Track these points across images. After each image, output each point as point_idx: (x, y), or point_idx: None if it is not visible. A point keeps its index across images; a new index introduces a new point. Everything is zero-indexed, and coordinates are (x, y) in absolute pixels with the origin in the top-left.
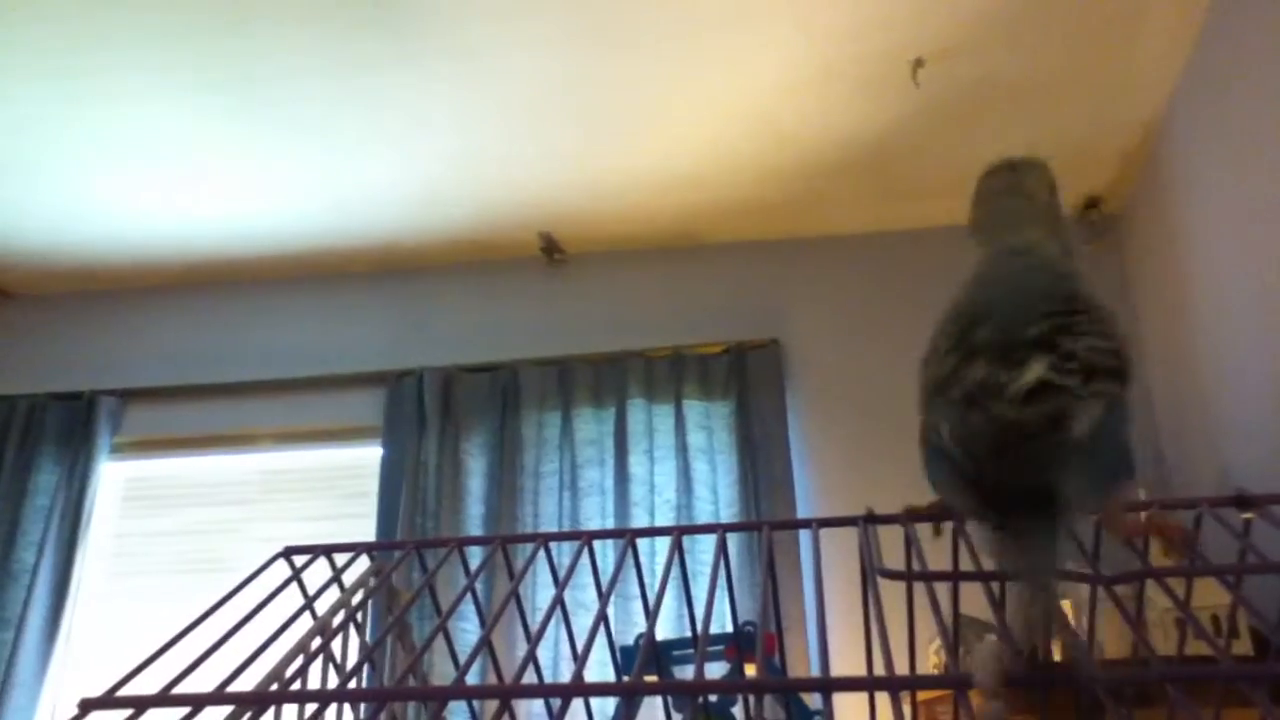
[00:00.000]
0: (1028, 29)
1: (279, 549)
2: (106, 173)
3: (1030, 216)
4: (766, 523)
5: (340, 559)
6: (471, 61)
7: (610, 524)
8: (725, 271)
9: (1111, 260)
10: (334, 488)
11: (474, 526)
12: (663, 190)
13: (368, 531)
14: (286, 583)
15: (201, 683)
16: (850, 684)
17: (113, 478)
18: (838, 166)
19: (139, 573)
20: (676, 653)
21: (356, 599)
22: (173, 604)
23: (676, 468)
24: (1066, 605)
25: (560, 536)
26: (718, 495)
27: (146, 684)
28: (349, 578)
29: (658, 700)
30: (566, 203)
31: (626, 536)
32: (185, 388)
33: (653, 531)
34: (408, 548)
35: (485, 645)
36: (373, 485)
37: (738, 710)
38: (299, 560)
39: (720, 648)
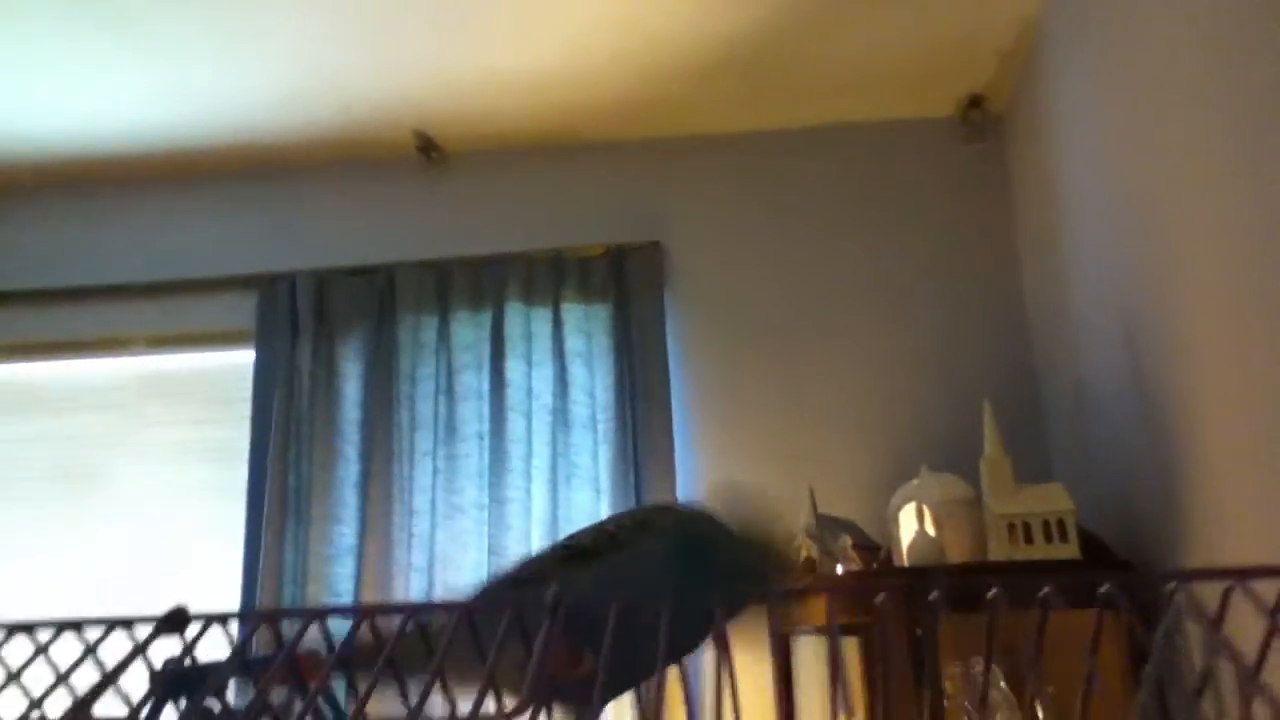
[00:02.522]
0: None
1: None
2: None
3: None
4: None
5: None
6: None
7: (486, 429)
8: (606, 172)
9: (994, 161)
10: (208, 393)
11: (349, 432)
12: (537, 88)
13: (244, 436)
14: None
15: None
16: None
17: None
18: (710, 66)
19: (12, 479)
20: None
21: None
22: (47, 510)
23: (554, 372)
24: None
25: (432, 608)
26: (595, 399)
27: None
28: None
29: None
30: (440, 101)
31: (458, 611)
32: (53, 291)
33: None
34: (254, 620)
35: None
36: (247, 390)
37: None
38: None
39: None
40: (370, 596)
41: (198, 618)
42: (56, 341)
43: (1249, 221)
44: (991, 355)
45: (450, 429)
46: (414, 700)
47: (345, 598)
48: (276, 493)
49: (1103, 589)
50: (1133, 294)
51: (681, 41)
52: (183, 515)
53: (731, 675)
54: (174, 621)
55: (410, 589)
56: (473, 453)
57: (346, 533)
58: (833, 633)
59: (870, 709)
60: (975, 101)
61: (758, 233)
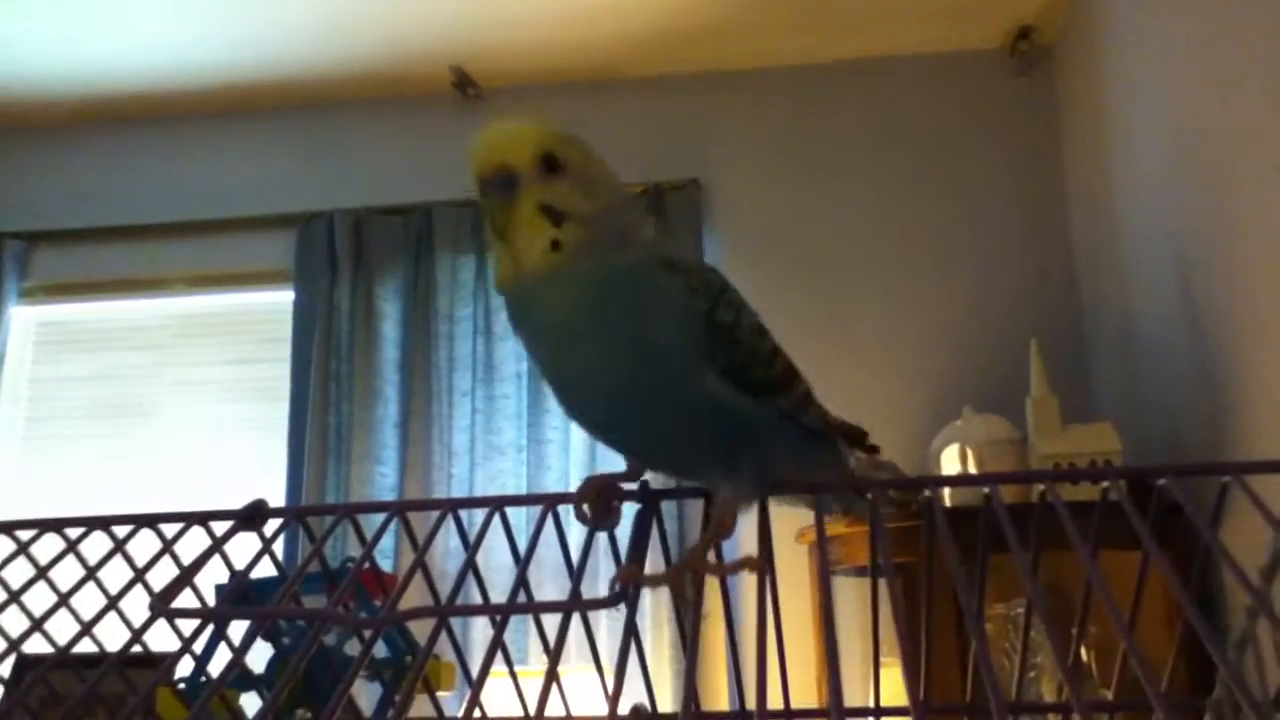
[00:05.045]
0: None
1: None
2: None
3: None
4: (550, 497)
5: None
6: None
7: (525, 369)
8: (644, 108)
9: (1043, 94)
10: (248, 332)
11: (388, 372)
12: (578, 20)
13: (284, 376)
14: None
15: None
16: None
17: (23, 322)
18: None
19: (56, 417)
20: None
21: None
22: (91, 448)
23: None
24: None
25: (469, 504)
26: None
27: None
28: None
29: None
30: (478, 34)
31: (545, 503)
32: (92, 230)
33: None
34: (340, 512)
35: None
36: (286, 330)
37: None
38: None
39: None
40: (408, 540)
41: (276, 513)
42: (94, 281)
43: None
44: (1037, 293)
45: (489, 369)
46: (445, 590)
47: (384, 539)
48: (317, 432)
49: (1160, 482)
50: (1188, 230)
51: None
52: (224, 454)
53: (770, 564)
54: (252, 516)
55: (449, 531)
56: (511, 393)
57: (387, 473)
58: (934, 527)
59: (912, 649)
60: (1024, 33)
61: (798, 169)
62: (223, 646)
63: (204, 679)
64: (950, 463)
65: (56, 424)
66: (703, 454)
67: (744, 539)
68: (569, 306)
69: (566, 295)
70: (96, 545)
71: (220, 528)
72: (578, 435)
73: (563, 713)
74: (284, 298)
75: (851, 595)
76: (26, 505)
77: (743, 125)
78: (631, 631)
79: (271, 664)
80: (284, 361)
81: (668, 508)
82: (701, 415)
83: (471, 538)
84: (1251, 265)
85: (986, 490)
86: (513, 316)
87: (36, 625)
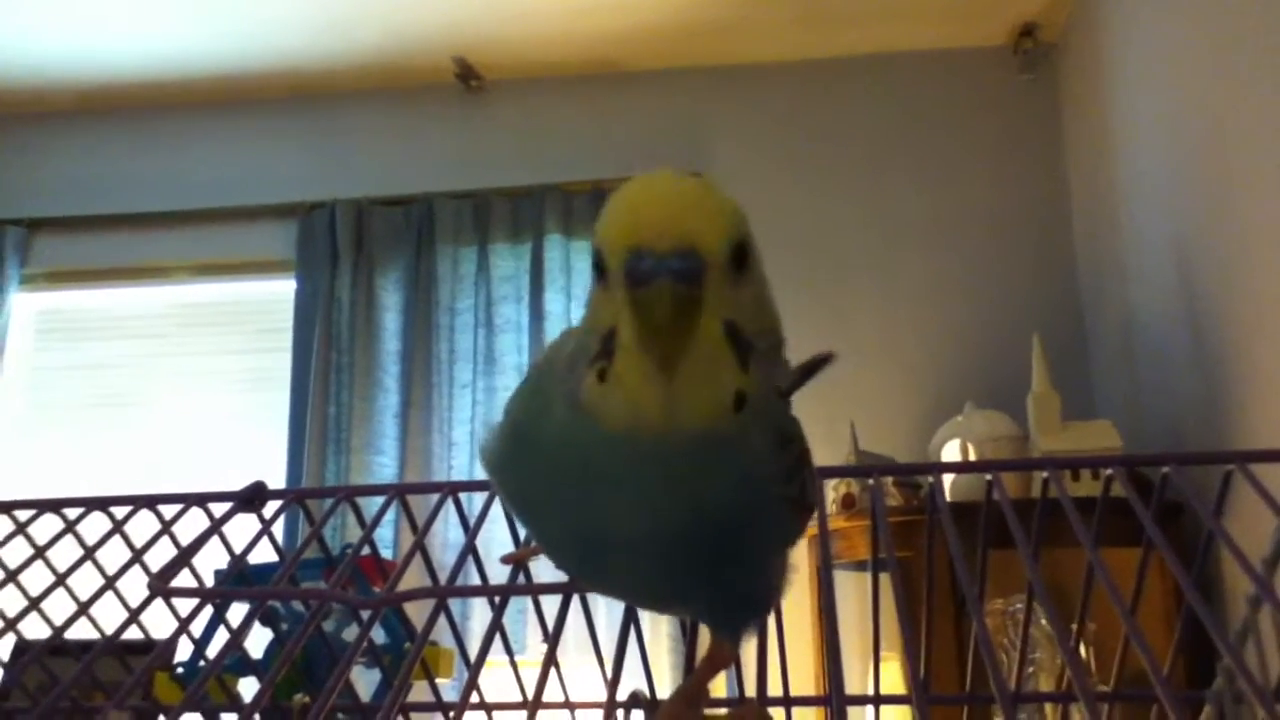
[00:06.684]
0: None
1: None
2: None
3: None
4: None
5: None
6: None
7: (526, 361)
8: (647, 101)
9: (1045, 93)
10: (248, 322)
11: (389, 363)
12: (582, 12)
13: (284, 365)
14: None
15: None
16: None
17: (24, 310)
18: None
19: (56, 406)
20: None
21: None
22: (90, 436)
23: None
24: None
25: (470, 487)
26: None
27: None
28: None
29: None
30: (481, 25)
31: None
32: (94, 218)
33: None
34: (340, 495)
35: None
36: (287, 320)
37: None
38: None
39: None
40: (408, 528)
41: (276, 494)
42: (96, 269)
43: None
44: (1038, 290)
45: (490, 361)
46: (444, 578)
47: (384, 528)
48: (317, 422)
49: (1164, 470)
50: (1190, 227)
51: None
52: (223, 444)
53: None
54: (252, 498)
55: (449, 522)
56: (511, 385)
57: (386, 463)
58: (936, 511)
59: (907, 644)
60: (1028, 30)
61: (802, 164)
62: (221, 633)
63: (202, 663)
64: (951, 458)
65: (57, 412)
66: (719, 610)
67: None
68: (699, 499)
69: (706, 485)
70: (95, 527)
71: (220, 509)
72: None
73: (561, 699)
74: (285, 288)
75: (850, 590)
76: (26, 494)
77: (745, 120)
78: (631, 616)
79: (270, 649)
80: (284, 351)
81: None
82: (753, 583)
83: (471, 522)
84: (1253, 263)
85: (989, 477)
86: (585, 456)
87: (34, 604)
